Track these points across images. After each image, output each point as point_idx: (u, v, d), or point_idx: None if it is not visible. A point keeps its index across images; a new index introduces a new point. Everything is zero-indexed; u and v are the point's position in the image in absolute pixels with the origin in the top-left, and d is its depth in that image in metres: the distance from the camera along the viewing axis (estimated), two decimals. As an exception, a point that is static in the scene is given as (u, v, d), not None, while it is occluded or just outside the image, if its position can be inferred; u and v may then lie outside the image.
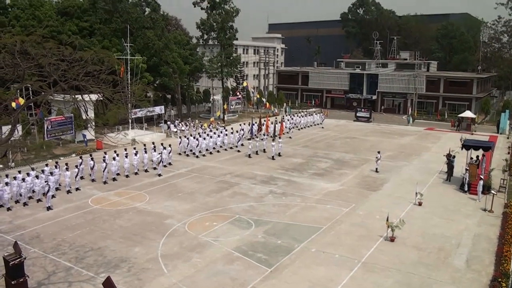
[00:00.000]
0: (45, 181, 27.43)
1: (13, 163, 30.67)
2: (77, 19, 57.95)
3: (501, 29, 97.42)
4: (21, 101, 35.17)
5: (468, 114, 60.79)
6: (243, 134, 46.58)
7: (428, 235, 23.21)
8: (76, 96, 14.58)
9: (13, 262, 16.94)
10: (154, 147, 37.21)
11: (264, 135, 47.39)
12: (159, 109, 55.41)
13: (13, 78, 17.42)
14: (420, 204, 27.93)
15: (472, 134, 54.74)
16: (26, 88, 38.76)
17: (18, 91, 32.47)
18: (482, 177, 29.89)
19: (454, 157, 35.23)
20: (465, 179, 31.09)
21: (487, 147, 34.18)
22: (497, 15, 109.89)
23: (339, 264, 19.79)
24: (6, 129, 31.08)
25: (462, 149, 34.42)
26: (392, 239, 22.30)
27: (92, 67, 14.84)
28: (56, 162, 32.43)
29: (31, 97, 36.91)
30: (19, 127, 25.90)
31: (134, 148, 35.57)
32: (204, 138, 42.14)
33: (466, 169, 31.46)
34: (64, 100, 15.15)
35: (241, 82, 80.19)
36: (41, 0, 57.59)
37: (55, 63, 13.98)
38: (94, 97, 19.89)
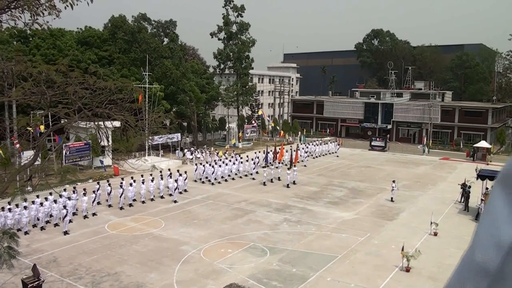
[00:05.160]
0: (63, 206, 27.87)
1: (30, 188, 31.23)
2: (96, 48, 59.40)
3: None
4: (42, 128, 35.95)
5: (483, 144, 60.47)
6: (258, 162, 46.89)
7: (443, 266, 23.03)
8: (99, 123, 15.06)
9: (31, 284, 17.25)
10: (170, 173, 37.63)
11: (279, 163, 47.62)
12: (177, 136, 56.07)
13: (36, 106, 17.98)
14: (435, 234, 27.76)
15: (488, 164, 54.39)
16: (46, 115, 39.70)
17: (43, 118, 33.31)
18: (498, 208, 29.63)
19: (469, 187, 35.08)
20: (481, 209, 30.90)
21: (503, 177, 33.92)
22: (511, 46, 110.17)
23: (354, 293, 19.75)
24: (27, 154, 31.88)
25: (477, 179, 34.28)
26: (407, 269, 22.18)
27: (116, 95, 15.36)
28: (74, 187, 32.96)
29: (51, 124, 37.76)
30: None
31: (151, 175, 35.98)
32: (220, 166, 42.47)
33: (482, 200, 31.29)
34: (86, 126, 15.62)
35: (256, 110, 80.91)
36: (62, 30, 59.26)
37: (80, 91, 14.52)
38: (117, 124, 20.44)
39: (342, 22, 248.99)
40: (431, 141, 70.83)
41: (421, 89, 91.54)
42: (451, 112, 76.60)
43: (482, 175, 33.44)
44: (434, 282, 21.05)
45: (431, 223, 28.19)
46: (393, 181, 36.84)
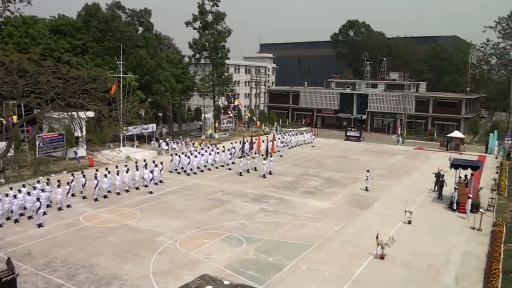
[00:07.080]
0: (37, 198, 27.39)
1: (3, 180, 30.73)
2: (70, 37, 58.24)
3: (489, 51, 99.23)
4: (14, 118, 35.23)
5: (457, 134, 61.47)
6: (235, 152, 46.86)
7: (417, 253, 23.46)
8: (72, 113, 14.82)
9: (5, 278, 16.93)
10: (146, 164, 37.32)
11: (255, 153, 47.67)
12: (152, 127, 55.55)
13: (8, 96, 17.60)
14: (409, 222, 28.22)
15: (461, 154, 55.39)
16: (18, 105, 38.93)
17: (15, 108, 32.61)
18: (470, 196, 30.28)
19: (443, 176, 35.68)
20: (454, 197, 31.49)
21: (476, 166, 34.65)
22: (485, 38, 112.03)
23: (330, 282, 19.92)
24: (-1, 145, 31.24)
25: (451, 168, 34.88)
26: (382, 257, 22.51)
27: (89, 85, 15.13)
28: (48, 179, 32.39)
29: (24, 114, 37.09)
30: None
31: (126, 166, 35.61)
32: (196, 156, 42.31)
33: (455, 188, 31.87)
34: (59, 117, 15.34)
35: (232, 100, 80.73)
36: (34, 18, 57.95)
37: (53, 81, 14.24)
38: (91, 114, 20.17)
39: (318, 12, 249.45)
40: (405, 131, 71.78)
41: (395, 80, 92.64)
42: (425, 103, 77.72)
43: (455, 164, 34.01)
44: (408, 269, 21.43)
45: (405, 211, 28.64)
46: (368, 171, 37.27)
